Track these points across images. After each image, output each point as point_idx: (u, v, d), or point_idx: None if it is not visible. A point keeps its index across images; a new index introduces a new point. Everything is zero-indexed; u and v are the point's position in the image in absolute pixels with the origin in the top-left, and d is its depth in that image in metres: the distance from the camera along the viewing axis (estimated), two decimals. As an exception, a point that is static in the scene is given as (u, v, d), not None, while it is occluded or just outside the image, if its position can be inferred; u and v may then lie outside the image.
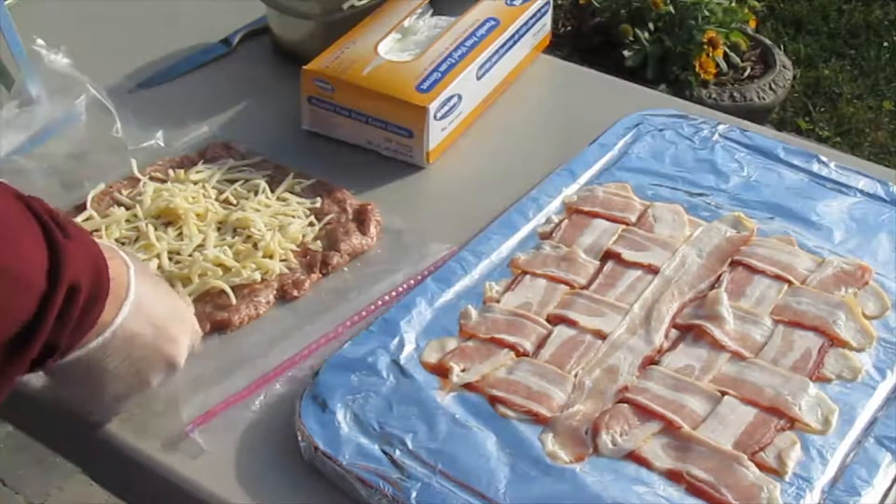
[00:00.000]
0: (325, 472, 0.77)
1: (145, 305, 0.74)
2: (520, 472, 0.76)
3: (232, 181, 1.03)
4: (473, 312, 0.89)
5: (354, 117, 1.08)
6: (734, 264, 0.93)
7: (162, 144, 1.08)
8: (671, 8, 2.65)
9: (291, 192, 1.02)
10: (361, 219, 0.99)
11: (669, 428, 0.79)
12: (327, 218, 0.99)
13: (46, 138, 1.08)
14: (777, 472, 0.76)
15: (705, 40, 2.64)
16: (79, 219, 0.97)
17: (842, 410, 0.80)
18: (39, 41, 1.09)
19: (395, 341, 0.86)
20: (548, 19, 1.23)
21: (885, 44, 3.12)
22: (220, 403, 0.82)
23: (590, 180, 1.03)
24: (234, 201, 1.00)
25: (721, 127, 1.09)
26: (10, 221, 0.64)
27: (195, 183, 1.02)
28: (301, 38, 1.20)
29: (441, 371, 0.84)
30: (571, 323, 0.88)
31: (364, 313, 0.90)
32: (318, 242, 0.97)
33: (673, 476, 0.76)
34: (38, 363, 0.67)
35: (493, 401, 0.82)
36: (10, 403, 0.88)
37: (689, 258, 0.93)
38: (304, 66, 1.09)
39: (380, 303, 0.91)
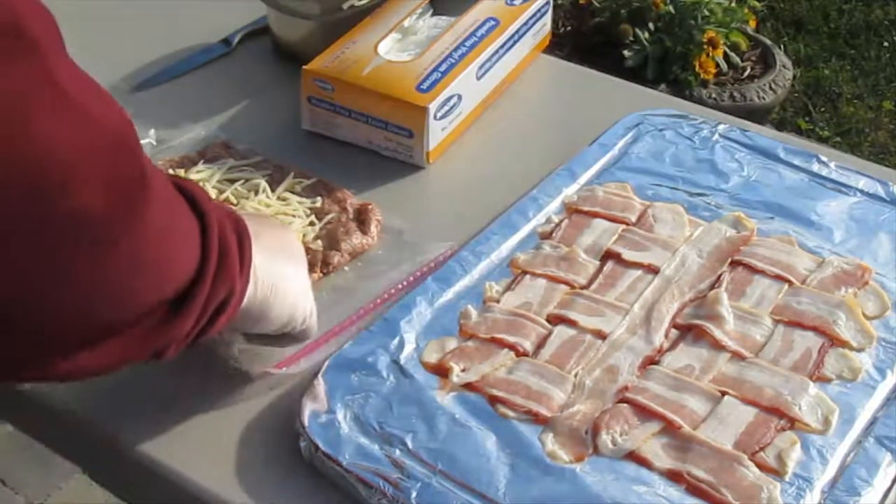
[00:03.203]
0: (326, 472, 0.77)
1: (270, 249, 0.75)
2: (520, 472, 0.76)
3: (232, 181, 1.03)
4: (473, 312, 0.89)
5: (354, 117, 1.08)
6: (734, 264, 0.93)
7: (154, 143, 1.08)
8: (671, 8, 2.65)
9: (292, 192, 1.02)
10: (362, 218, 0.99)
11: (669, 428, 0.79)
12: (328, 217, 0.99)
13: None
14: (777, 472, 0.76)
15: (705, 40, 2.64)
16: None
17: (842, 410, 0.80)
18: None
19: (395, 341, 0.86)
20: (548, 19, 1.23)
21: (885, 44, 3.12)
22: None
23: (590, 180, 1.03)
24: (235, 201, 1.00)
25: (721, 127, 1.09)
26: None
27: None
28: (301, 38, 1.20)
29: (441, 371, 0.84)
30: (571, 323, 0.88)
31: (363, 312, 0.90)
32: (319, 242, 0.97)
33: (673, 476, 0.76)
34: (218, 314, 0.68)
35: (493, 401, 0.82)
36: (11, 404, 0.88)
37: (689, 258, 0.93)
38: (304, 66, 1.09)
39: (379, 301, 0.91)
